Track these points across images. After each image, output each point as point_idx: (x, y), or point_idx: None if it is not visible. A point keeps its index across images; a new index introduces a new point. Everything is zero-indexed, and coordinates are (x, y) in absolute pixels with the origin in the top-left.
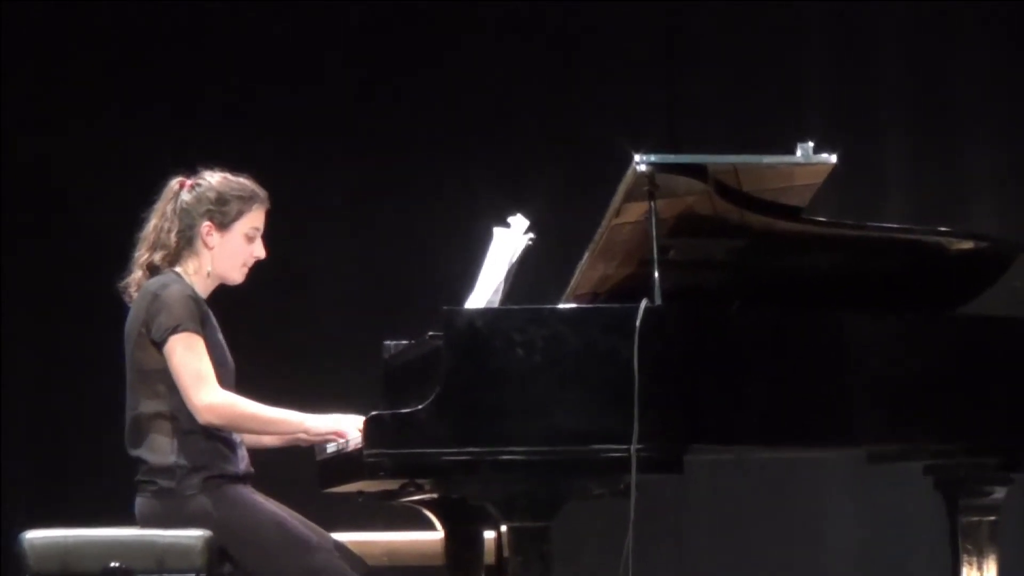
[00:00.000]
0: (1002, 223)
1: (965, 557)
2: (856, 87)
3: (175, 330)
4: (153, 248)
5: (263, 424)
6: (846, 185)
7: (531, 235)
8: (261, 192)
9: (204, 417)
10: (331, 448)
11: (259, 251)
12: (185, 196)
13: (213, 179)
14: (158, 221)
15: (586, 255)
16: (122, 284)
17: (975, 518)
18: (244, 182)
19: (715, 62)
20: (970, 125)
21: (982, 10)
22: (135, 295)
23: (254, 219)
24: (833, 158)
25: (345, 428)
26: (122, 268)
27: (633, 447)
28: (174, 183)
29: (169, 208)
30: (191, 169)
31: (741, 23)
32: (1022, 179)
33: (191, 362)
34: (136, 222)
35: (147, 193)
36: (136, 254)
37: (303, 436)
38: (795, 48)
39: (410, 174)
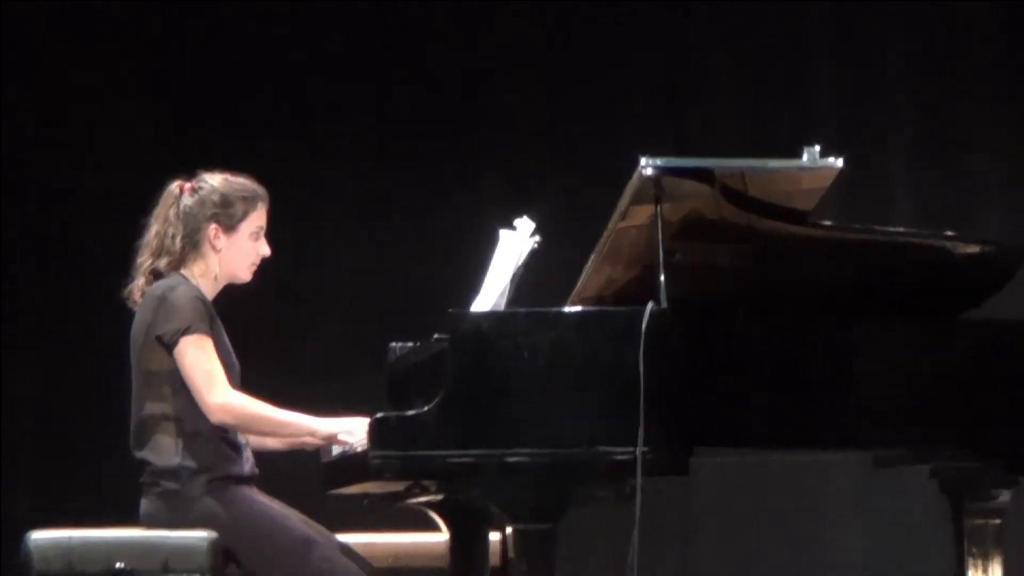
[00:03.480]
0: (1009, 228)
1: (970, 560)
2: (863, 91)
3: (186, 332)
4: (157, 254)
5: (273, 425)
6: (852, 190)
7: (537, 238)
8: (262, 190)
9: (217, 416)
10: (336, 450)
11: (264, 249)
12: (187, 200)
13: (214, 181)
14: (160, 227)
15: (592, 258)
16: (125, 291)
17: (980, 521)
18: (245, 182)
19: (722, 66)
20: (977, 129)
21: (991, 13)
22: (139, 300)
23: (258, 218)
24: (839, 162)
25: (353, 431)
26: (125, 271)
27: (638, 450)
28: (174, 187)
29: (171, 213)
30: (189, 171)
31: (748, 27)
32: None
33: (203, 363)
34: (136, 226)
35: (144, 192)
36: (139, 260)
37: (310, 439)
38: (802, 52)
39: (416, 177)
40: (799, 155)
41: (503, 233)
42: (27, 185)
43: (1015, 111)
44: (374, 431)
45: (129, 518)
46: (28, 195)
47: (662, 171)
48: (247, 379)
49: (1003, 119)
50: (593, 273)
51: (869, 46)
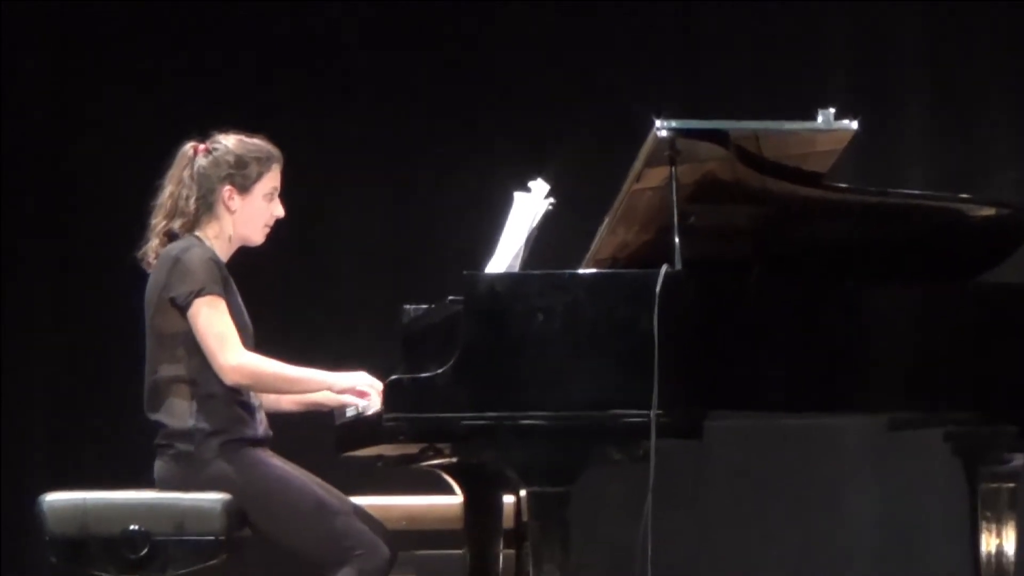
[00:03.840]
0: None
1: (984, 524)
2: (878, 54)
3: (199, 293)
4: (171, 215)
5: (288, 383)
6: (867, 153)
7: (551, 200)
8: (276, 151)
9: (230, 377)
10: (350, 412)
11: (278, 210)
12: (201, 161)
13: (228, 142)
14: (175, 188)
15: (606, 221)
16: (140, 253)
17: (994, 485)
18: (260, 143)
19: (736, 28)
20: (992, 90)
21: None
22: (153, 262)
23: (272, 179)
24: (854, 124)
25: (367, 389)
26: (140, 231)
27: (652, 412)
28: (188, 148)
29: (186, 174)
30: (203, 133)
31: None
32: None
33: (216, 324)
34: (151, 188)
35: (163, 156)
36: (152, 222)
37: (322, 399)
38: (817, 14)
39: (430, 139)
40: (814, 117)
41: (517, 195)
42: (39, 146)
43: None
44: (388, 393)
45: (143, 480)
46: (40, 156)
47: (677, 133)
48: (262, 340)
49: (1019, 79)
50: (607, 235)
51: (885, 8)
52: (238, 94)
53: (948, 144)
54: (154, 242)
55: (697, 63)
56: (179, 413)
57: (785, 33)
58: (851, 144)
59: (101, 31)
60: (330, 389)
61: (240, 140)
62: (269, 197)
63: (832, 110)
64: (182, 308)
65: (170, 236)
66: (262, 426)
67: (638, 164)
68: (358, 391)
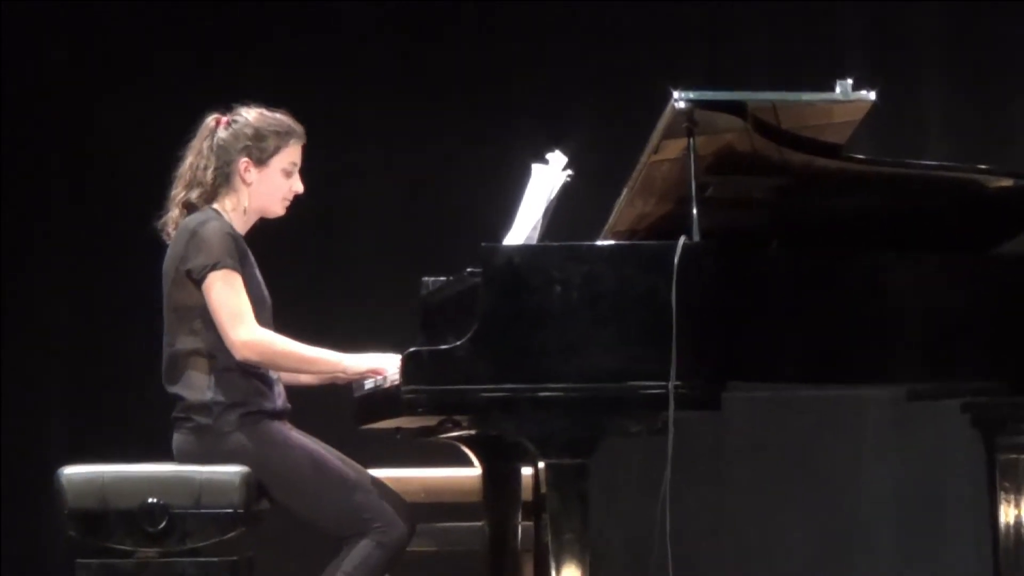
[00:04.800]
0: None
1: (1002, 494)
2: (896, 24)
3: (214, 267)
4: (190, 186)
5: (300, 362)
6: (885, 124)
7: (569, 172)
8: (298, 127)
9: (241, 354)
10: (369, 385)
11: (297, 186)
12: (221, 133)
13: (249, 115)
14: (194, 159)
15: (624, 192)
16: (159, 223)
17: (1012, 455)
18: (281, 117)
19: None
20: (1011, 63)
21: None
22: (172, 233)
23: (291, 154)
24: (872, 95)
25: (383, 366)
26: (159, 205)
27: (671, 384)
28: (210, 120)
29: (205, 145)
30: (226, 106)
31: None
32: None
33: (229, 299)
34: (172, 159)
35: (184, 130)
36: (172, 192)
37: (341, 375)
38: None
39: (449, 111)
40: (832, 88)
41: (535, 167)
42: (63, 116)
43: None
44: (406, 365)
45: (161, 453)
46: (64, 125)
47: (695, 104)
48: (281, 312)
49: None
50: (625, 207)
51: None
52: (261, 69)
53: (967, 117)
54: (174, 212)
55: (716, 37)
56: (197, 386)
57: (806, 6)
58: (870, 116)
59: (121, 11)
60: (343, 372)
61: (261, 114)
62: (287, 172)
63: (850, 81)
64: (197, 281)
65: (188, 207)
66: (280, 399)
67: (656, 136)
68: (373, 371)
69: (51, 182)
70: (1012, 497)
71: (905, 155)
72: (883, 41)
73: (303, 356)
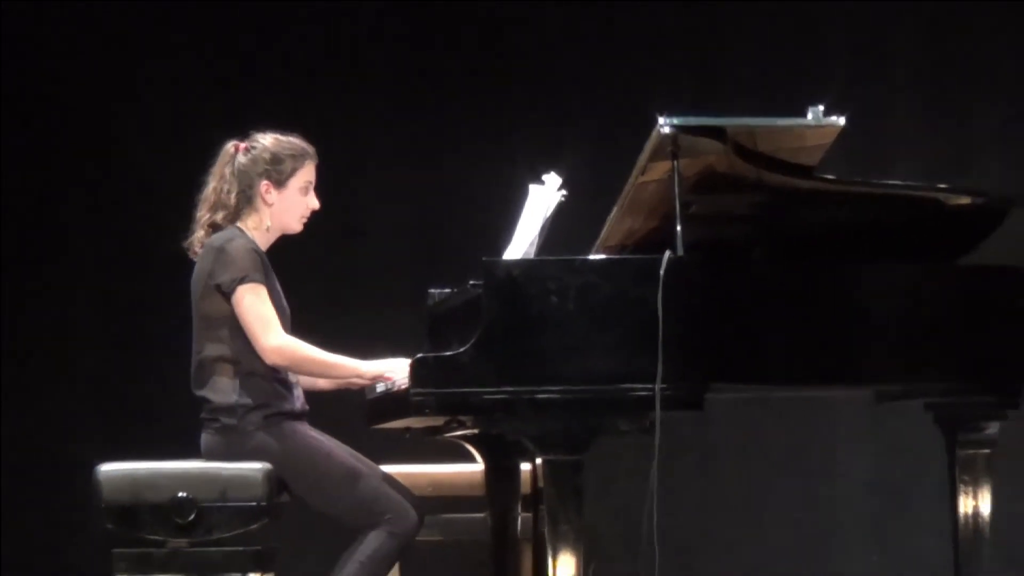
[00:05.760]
0: (1005, 180)
1: (961, 486)
2: (867, 52)
3: (243, 280)
4: (214, 208)
5: (321, 367)
6: (856, 145)
7: (564, 191)
8: (310, 148)
9: (271, 358)
10: (380, 388)
11: (313, 202)
12: (241, 159)
13: (266, 140)
14: (217, 183)
15: (614, 210)
16: (186, 243)
17: (971, 451)
18: (295, 141)
19: (736, 33)
20: (975, 87)
21: None
22: (199, 251)
23: (306, 174)
24: (841, 120)
25: (395, 370)
26: (186, 220)
27: (657, 386)
28: (229, 147)
29: (227, 171)
30: (243, 132)
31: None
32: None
33: (258, 309)
34: (196, 180)
35: (207, 151)
36: (198, 214)
37: (356, 379)
38: (810, 16)
39: (454, 136)
40: (804, 114)
41: (532, 188)
42: (97, 144)
43: (1012, 67)
44: (415, 370)
45: (190, 451)
46: (98, 154)
47: (679, 129)
48: (300, 322)
49: (999, 76)
50: (615, 224)
51: (876, 14)
52: (277, 92)
53: (934, 137)
54: (199, 233)
55: (701, 66)
56: (223, 389)
57: (784, 36)
58: (841, 138)
59: (142, 34)
60: (360, 376)
61: (276, 139)
62: (304, 190)
63: (821, 107)
64: (226, 294)
65: (214, 227)
66: (299, 401)
67: (643, 158)
68: (385, 377)
69: (86, 200)
70: (970, 489)
71: (874, 173)
72: (855, 69)
73: (325, 361)
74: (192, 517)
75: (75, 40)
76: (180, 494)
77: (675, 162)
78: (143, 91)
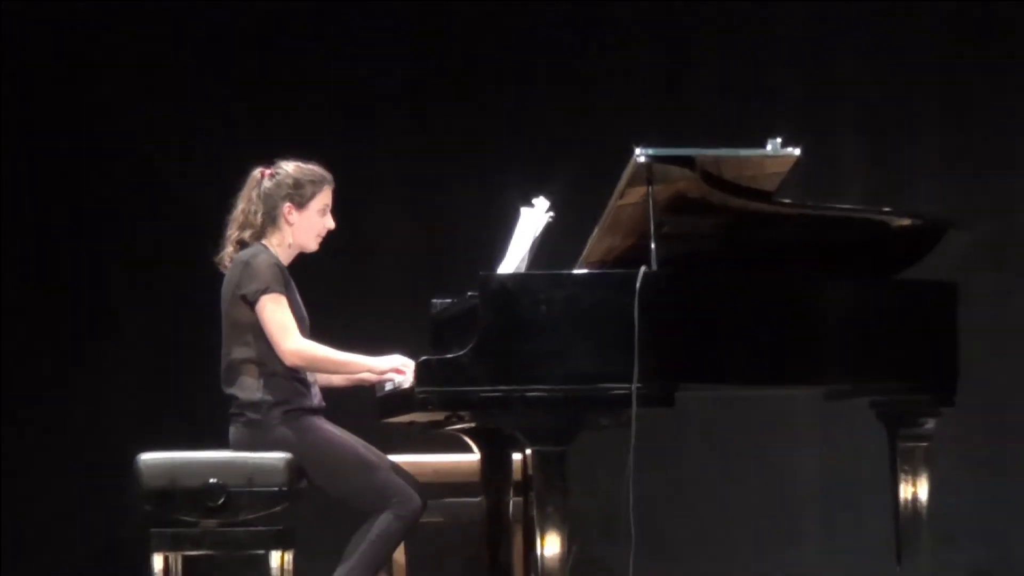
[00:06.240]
0: (942, 203)
1: (902, 476)
2: (819, 88)
3: (265, 291)
4: (242, 227)
5: (336, 365)
6: (810, 172)
7: (551, 214)
8: (328, 175)
9: (290, 360)
10: (389, 387)
11: (330, 223)
12: (266, 183)
13: (289, 167)
14: (245, 205)
15: (596, 230)
16: (217, 258)
17: (911, 444)
18: (314, 168)
19: (704, 72)
20: (912, 121)
21: (925, 14)
22: (228, 265)
23: (324, 197)
24: (797, 151)
25: (403, 365)
26: (217, 237)
27: (634, 385)
28: (256, 173)
29: (254, 194)
30: (268, 160)
31: (733, 29)
32: (958, 167)
33: (278, 317)
34: (225, 203)
35: (234, 176)
36: (227, 232)
37: (368, 376)
38: (769, 53)
39: (453, 163)
40: (764, 145)
41: (523, 210)
42: (138, 167)
43: (948, 104)
44: (419, 371)
45: (220, 442)
46: (139, 176)
47: (653, 159)
48: (318, 328)
49: (936, 112)
50: (596, 242)
51: (825, 52)
52: (299, 126)
53: (878, 166)
54: (229, 249)
55: (673, 104)
56: (249, 388)
57: (747, 72)
58: (796, 166)
59: (191, 81)
60: (371, 371)
61: (298, 166)
62: (322, 212)
63: (779, 139)
64: (251, 303)
65: (241, 244)
66: (317, 398)
67: (621, 184)
68: (395, 370)
69: (129, 217)
70: (910, 478)
71: (827, 197)
72: (806, 106)
73: (339, 360)
74: (222, 501)
75: (118, 62)
76: (211, 480)
77: (650, 188)
78: (189, 125)
